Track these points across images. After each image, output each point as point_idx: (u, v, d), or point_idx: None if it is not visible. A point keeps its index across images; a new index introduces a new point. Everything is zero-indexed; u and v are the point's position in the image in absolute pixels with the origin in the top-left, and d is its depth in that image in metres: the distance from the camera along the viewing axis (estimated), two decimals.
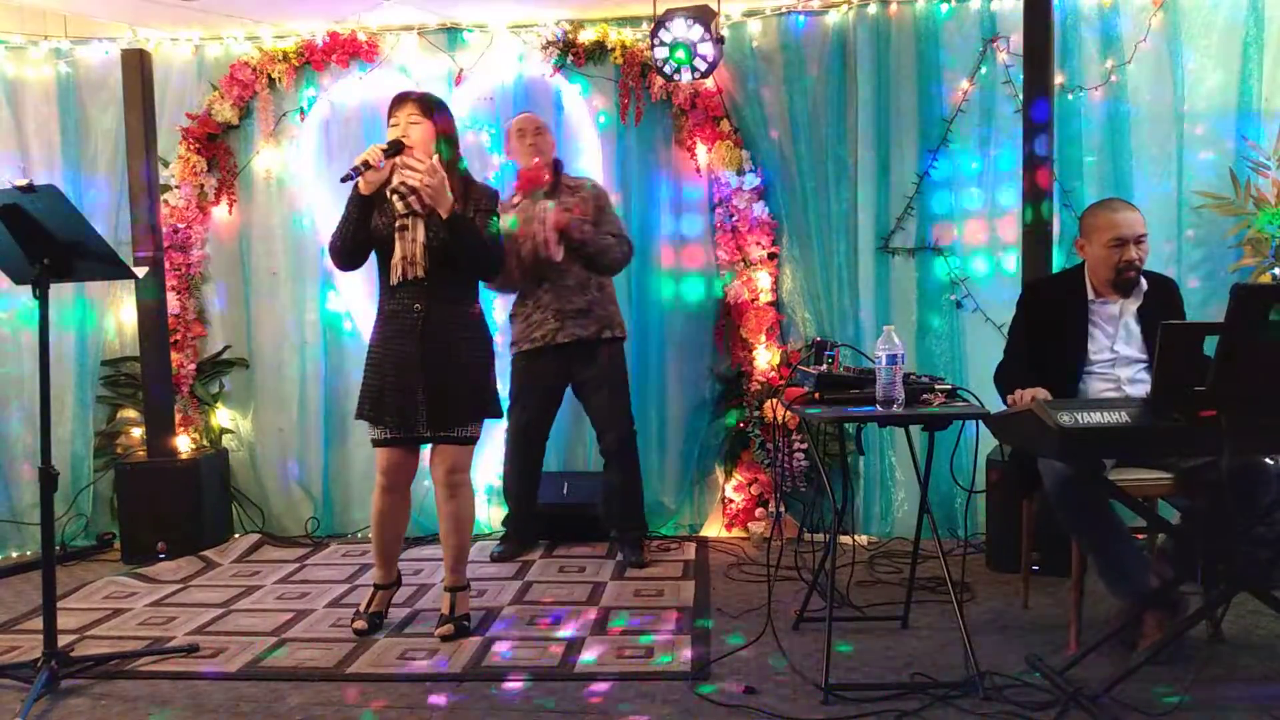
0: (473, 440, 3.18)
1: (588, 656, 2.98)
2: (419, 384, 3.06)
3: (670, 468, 4.55)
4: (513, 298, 4.06)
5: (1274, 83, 3.95)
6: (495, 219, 3.18)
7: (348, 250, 3.12)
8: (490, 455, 4.53)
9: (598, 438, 4.10)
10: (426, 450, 3.24)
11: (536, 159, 3.94)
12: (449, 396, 3.08)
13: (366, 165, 2.97)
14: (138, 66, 4.28)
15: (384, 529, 3.25)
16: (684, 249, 4.53)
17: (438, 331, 3.07)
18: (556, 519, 4.33)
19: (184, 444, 4.53)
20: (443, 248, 3.05)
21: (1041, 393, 2.81)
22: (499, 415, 3.25)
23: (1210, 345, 2.30)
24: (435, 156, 3.06)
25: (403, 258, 3.06)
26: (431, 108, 3.12)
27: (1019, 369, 3.06)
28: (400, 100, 3.14)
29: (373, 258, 3.19)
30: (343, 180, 3.00)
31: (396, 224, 3.05)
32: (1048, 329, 3.13)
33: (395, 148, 3.04)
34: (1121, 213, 3.06)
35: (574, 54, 4.47)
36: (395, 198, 3.04)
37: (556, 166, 4.02)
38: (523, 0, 4.31)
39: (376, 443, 3.17)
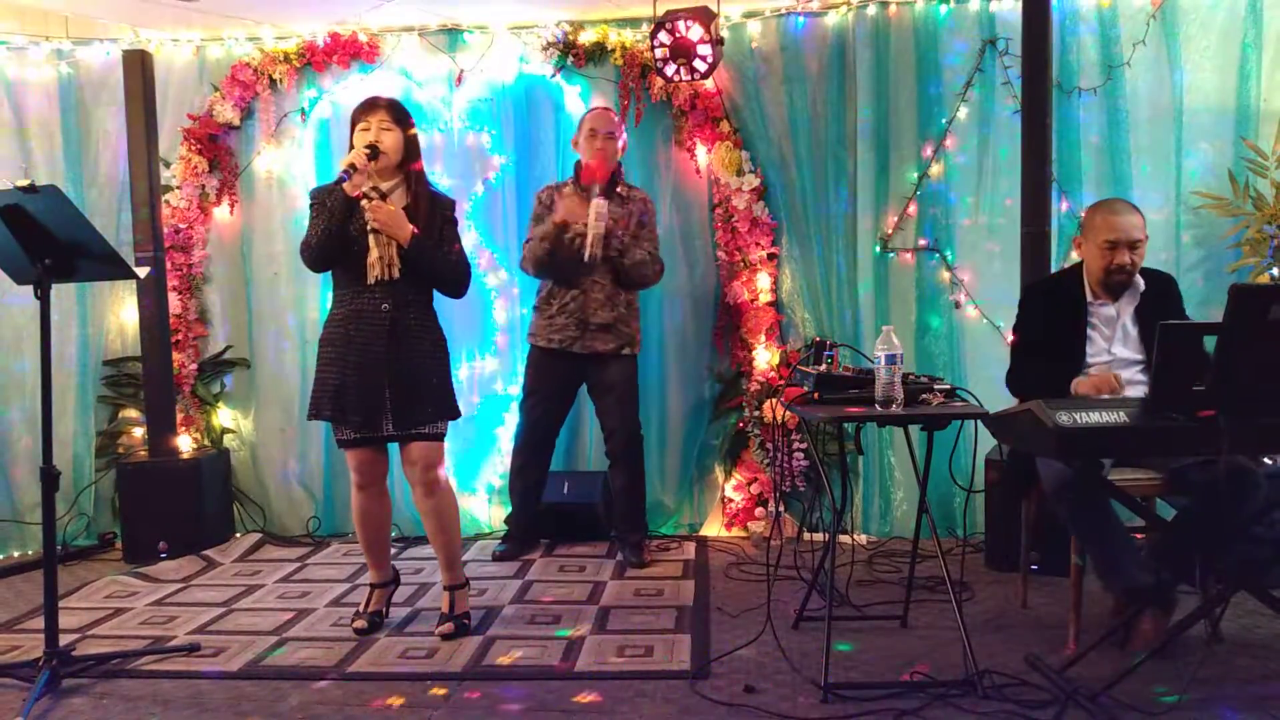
0: (441, 436, 3.19)
1: (587, 656, 2.99)
2: (385, 382, 3.07)
3: (670, 467, 4.56)
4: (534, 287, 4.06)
5: (1272, 83, 3.97)
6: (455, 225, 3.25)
7: (323, 252, 3.08)
8: (491, 456, 4.55)
9: (605, 439, 4.10)
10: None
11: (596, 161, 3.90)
12: (416, 395, 3.10)
13: (353, 168, 2.99)
14: (139, 67, 4.29)
15: (366, 527, 3.26)
16: (684, 249, 4.53)
17: (405, 332, 3.10)
18: (557, 518, 4.34)
19: (185, 444, 4.54)
20: None
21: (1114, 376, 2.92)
22: (458, 415, 3.24)
23: (1209, 345, 2.31)
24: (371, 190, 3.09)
25: (379, 258, 3.07)
26: (403, 116, 3.15)
27: (1033, 366, 3.08)
28: (370, 105, 3.14)
29: None
30: (338, 183, 3.00)
31: (370, 226, 3.06)
32: (1046, 331, 3.14)
33: (373, 153, 3.06)
34: (1121, 215, 3.05)
35: (574, 55, 4.47)
36: (365, 202, 3.06)
37: (615, 172, 3.99)
38: (523, 1, 4.31)
39: (343, 444, 3.18)
